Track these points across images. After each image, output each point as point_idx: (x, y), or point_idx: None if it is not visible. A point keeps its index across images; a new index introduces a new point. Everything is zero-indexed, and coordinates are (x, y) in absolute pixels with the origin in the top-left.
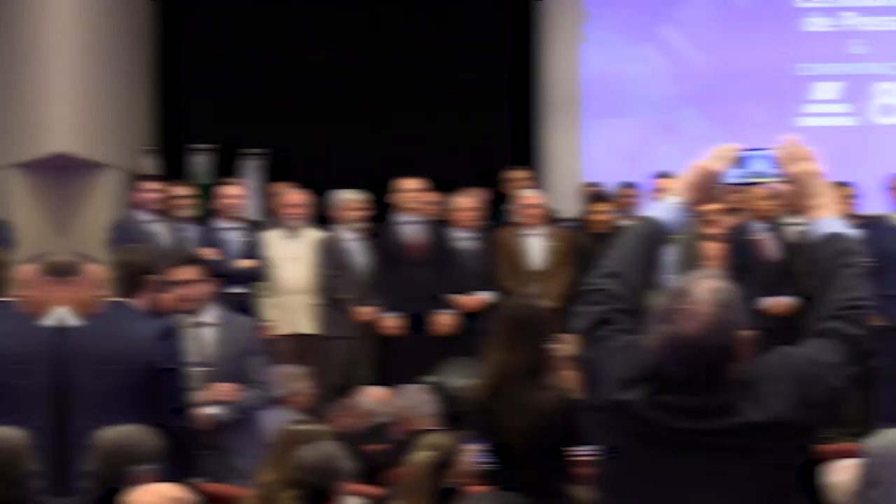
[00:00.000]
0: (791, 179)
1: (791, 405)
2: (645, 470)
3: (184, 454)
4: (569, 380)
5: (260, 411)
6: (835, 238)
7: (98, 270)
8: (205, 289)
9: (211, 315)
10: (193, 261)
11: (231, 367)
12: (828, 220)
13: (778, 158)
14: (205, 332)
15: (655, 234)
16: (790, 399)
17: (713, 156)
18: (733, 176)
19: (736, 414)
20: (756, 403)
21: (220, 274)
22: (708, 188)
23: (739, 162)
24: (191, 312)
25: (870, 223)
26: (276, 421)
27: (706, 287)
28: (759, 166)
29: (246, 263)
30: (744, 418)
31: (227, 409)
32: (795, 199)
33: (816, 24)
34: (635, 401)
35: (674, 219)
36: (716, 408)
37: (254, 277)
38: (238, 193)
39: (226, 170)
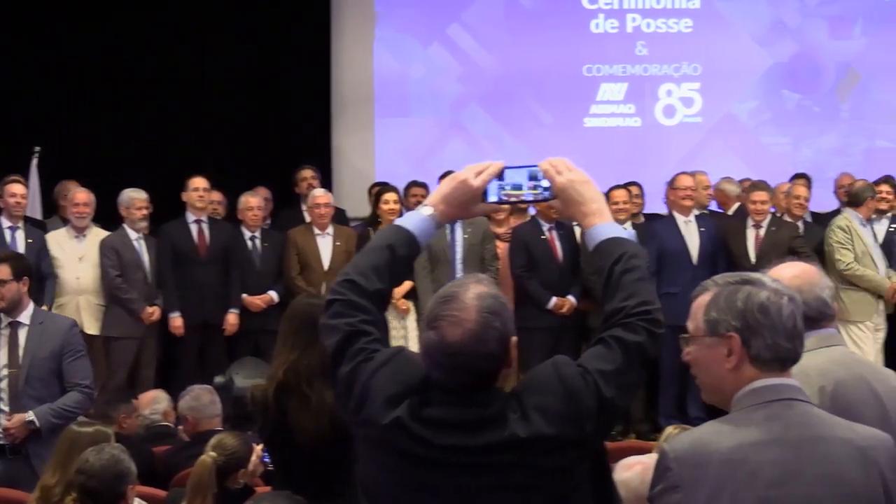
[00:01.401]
0: (558, 190)
1: (556, 418)
2: (410, 485)
3: None
4: None
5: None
6: (612, 244)
7: None
8: (21, 289)
9: (26, 315)
10: (6, 259)
11: (43, 369)
12: (602, 227)
13: (543, 171)
14: (19, 332)
15: (401, 244)
16: (556, 412)
17: (470, 171)
18: (492, 191)
19: (500, 428)
20: (521, 417)
21: None
22: (462, 202)
23: (499, 177)
24: (5, 312)
25: (654, 223)
26: None
27: (472, 293)
28: (517, 181)
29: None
30: (508, 433)
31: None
32: (565, 210)
33: (603, 26)
34: (400, 417)
35: (422, 230)
36: (480, 422)
37: (38, 279)
38: (21, 192)
39: (8, 168)
